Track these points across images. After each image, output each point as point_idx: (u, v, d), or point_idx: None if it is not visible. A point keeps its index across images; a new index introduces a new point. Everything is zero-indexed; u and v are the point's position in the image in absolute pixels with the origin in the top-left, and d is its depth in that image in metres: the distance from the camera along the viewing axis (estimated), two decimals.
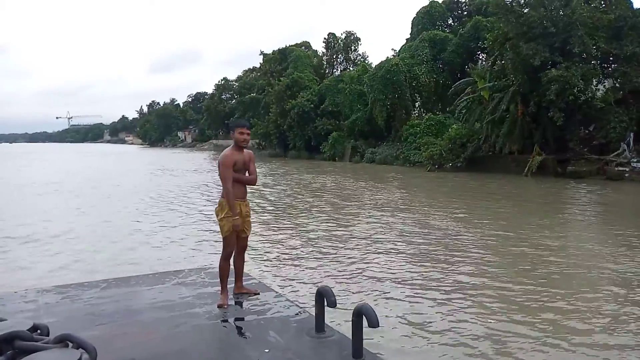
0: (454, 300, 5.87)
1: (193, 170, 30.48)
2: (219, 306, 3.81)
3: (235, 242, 3.95)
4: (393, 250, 8.44)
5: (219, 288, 4.10)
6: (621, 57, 20.96)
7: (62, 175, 26.73)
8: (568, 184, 18.68)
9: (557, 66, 20.33)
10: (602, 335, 4.84)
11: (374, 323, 2.72)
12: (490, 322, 5.18)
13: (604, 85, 23.44)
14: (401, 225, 10.88)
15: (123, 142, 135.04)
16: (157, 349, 3.02)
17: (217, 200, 4.06)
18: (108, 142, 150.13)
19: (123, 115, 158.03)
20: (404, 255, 8.16)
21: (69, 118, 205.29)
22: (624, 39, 20.81)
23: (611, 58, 22.11)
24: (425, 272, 7.13)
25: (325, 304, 3.16)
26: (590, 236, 9.82)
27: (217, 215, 3.94)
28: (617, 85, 22.62)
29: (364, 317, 2.77)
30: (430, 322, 5.20)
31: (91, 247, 8.92)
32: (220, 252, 4.01)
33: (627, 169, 19.65)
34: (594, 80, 22.09)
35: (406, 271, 7.17)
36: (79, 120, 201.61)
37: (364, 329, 2.83)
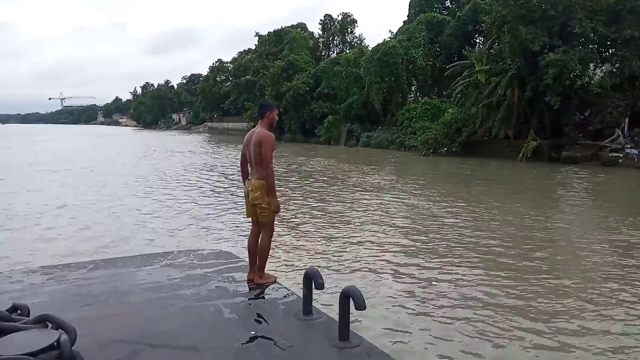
0: (442, 282, 5.90)
1: (193, 152, 30.62)
2: (273, 282, 3.88)
3: None
4: (384, 233, 8.44)
5: (208, 270, 4.08)
6: (619, 41, 20.80)
7: (71, 156, 26.90)
8: (562, 169, 18.72)
9: (555, 50, 20.17)
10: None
11: (360, 305, 2.70)
12: (478, 306, 5.21)
13: (602, 70, 23.29)
14: (392, 208, 10.88)
15: (117, 123, 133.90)
16: (143, 331, 2.99)
17: (251, 183, 3.79)
18: (102, 123, 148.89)
19: (117, 97, 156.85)
20: (396, 238, 8.16)
21: (61, 99, 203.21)
22: (622, 23, 20.61)
23: (609, 42, 21.93)
24: (417, 254, 7.14)
25: (313, 286, 3.14)
26: (578, 220, 9.87)
27: (259, 199, 3.74)
28: (614, 70, 22.49)
29: (351, 300, 2.74)
30: (419, 304, 5.22)
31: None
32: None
33: (621, 155, 19.69)
34: (592, 65, 21.93)
35: (397, 254, 7.18)
36: (72, 101, 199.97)
37: (351, 311, 2.81)
